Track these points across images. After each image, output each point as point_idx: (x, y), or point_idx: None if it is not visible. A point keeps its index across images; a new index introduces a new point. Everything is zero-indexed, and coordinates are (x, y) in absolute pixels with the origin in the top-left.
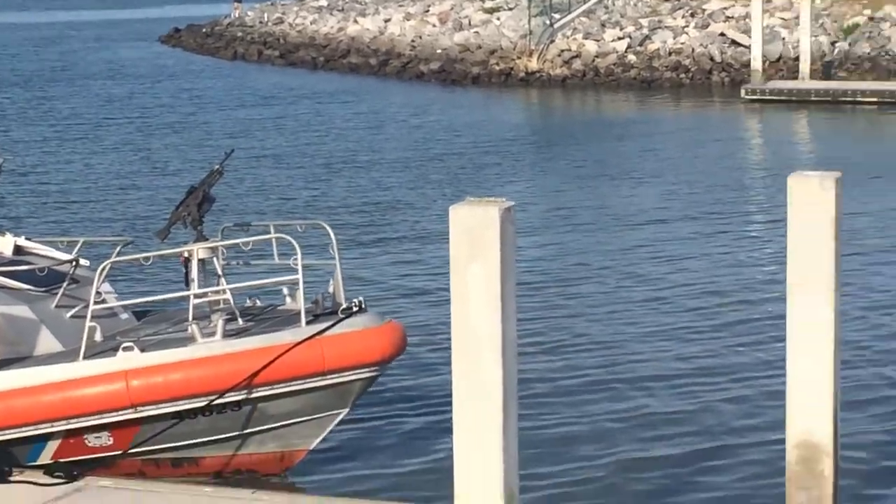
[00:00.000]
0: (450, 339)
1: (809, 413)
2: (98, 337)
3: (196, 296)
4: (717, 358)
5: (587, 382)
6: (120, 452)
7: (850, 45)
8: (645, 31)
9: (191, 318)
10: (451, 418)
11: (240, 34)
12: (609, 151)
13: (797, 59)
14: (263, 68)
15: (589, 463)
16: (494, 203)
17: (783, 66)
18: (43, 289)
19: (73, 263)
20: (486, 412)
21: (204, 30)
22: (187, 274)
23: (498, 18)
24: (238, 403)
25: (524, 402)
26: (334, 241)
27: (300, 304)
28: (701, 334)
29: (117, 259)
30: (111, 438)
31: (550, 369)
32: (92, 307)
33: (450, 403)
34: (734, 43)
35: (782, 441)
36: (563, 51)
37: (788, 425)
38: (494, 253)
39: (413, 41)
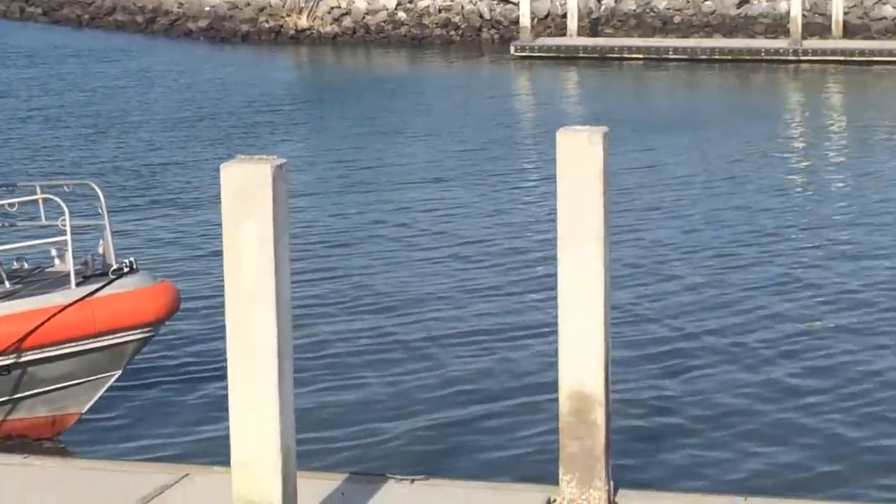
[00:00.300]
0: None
1: (581, 364)
2: None
3: None
4: (494, 316)
5: (376, 343)
6: None
7: (616, 2)
8: None
9: None
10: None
11: None
12: (382, 109)
13: (565, 15)
14: (26, 26)
15: (378, 424)
16: (266, 161)
17: (551, 22)
18: None
19: None
20: (261, 371)
21: None
22: None
23: None
24: (7, 367)
25: (317, 364)
26: (103, 202)
27: (69, 265)
28: (479, 291)
29: None
30: None
31: (340, 331)
32: None
33: (226, 364)
34: (503, 0)
35: None
36: (332, 8)
37: (561, 377)
38: (267, 211)
39: None
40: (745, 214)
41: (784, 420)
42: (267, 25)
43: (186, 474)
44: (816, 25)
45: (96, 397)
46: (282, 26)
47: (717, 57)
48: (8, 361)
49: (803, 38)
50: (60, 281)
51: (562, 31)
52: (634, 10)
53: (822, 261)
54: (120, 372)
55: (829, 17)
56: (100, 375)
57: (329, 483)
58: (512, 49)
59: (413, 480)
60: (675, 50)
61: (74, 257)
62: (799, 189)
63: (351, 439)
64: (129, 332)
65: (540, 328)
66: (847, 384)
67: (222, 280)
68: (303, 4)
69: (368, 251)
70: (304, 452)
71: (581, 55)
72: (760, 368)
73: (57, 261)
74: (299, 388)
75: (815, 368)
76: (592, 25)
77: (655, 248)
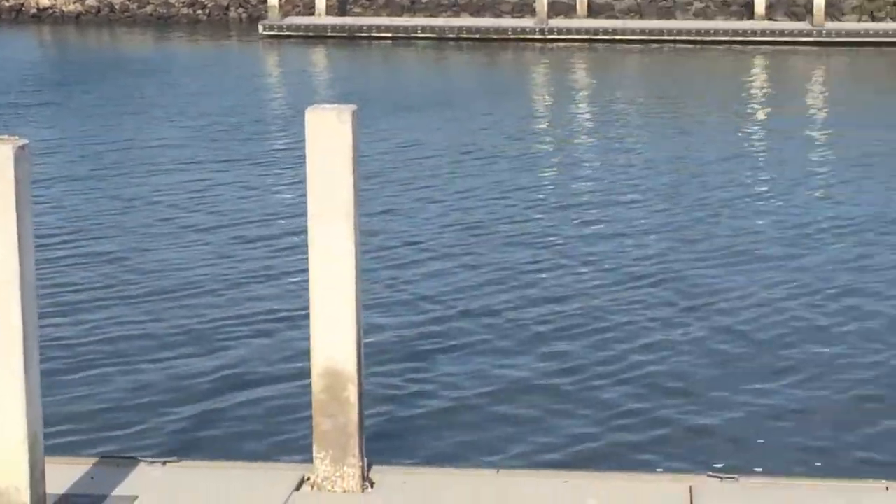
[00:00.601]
0: None
1: (333, 341)
2: None
3: None
4: (263, 299)
5: (140, 328)
6: None
7: None
8: None
9: None
10: None
11: None
12: (130, 89)
13: None
14: None
15: (143, 409)
16: (7, 141)
17: (299, 1)
18: None
19: None
20: (4, 357)
21: None
22: None
23: None
24: None
25: (80, 351)
26: None
27: None
28: (241, 275)
29: None
30: None
31: (103, 318)
32: None
33: None
34: None
35: None
36: None
37: (313, 355)
38: (9, 192)
39: None
40: (501, 192)
41: (557, 394)
42: (7, 4)
43: None
44: (562, 5)
45: None
46: (23, 4)
47: (465, 36)
48: None
49: (549, 17)
50: None
51: (310, 9)
52: None
53: (582, 237)
54: None
55: None
56: None
57: (79, 468)
58: (260, 28)
59: (165, 463)
60: (424, 29)
61: None
62: (551, 166)
63: (113, 425)
64: None
65: (287, 307)
66: (623, 356)
67: None
68: None
69: (127, 235)
70: (66, 442)
71: (330, 34)
72: (532, 345)
73: None
74: (61, 376)
75: (588, 344)
76: (341, 4)
77: (414, 226)
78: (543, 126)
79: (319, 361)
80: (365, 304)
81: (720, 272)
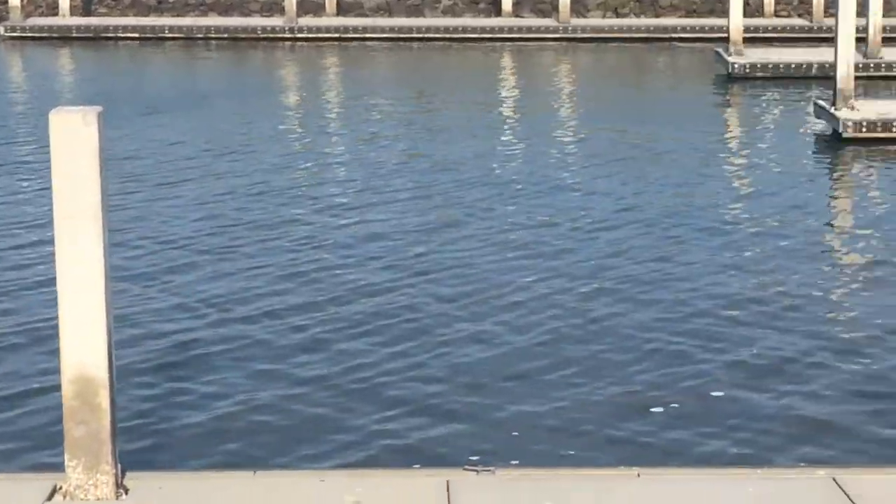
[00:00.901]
0: None
1: (83, 346)
2: None
3: None
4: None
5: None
6: None
7: None
8: None
9: None
10: None
11: None
12: None
13: None
14: None
15: None
16: None
17: (42, 2)
18: None
19: None
20: None
21: None
22: None
23: None
24: None
25: None
26: None
27: None
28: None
29: None
30: None
31: None
32: None
33: None
34: None
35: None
36: None
37: (63, 360)
38: None
39: None
40: (265, 192)
41: (339, 394)
42: None
43: None
44: (311, 4)
45: None
46: None
47: (213, 35)
48: None
49: (298, 16)
50: None
51: (53, 10)
52: None
53: (355, 236)
54: None
55: None
56: None
57: None
58: (1, 29)
59: None
60: (171, 29)
61: None
62: (312, 166)
63: None
64: None
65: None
66: (404, 353)
67: None
68: None
69: None
70: None
71: (75, 35)
72: (312, 345)
73: None
74: None
75: (370, 343)
76: (85, 4)
77: (183, 228)
78: (300, 125)
79: (69, 367)
80: (136, 310)
81: (493, 267)
